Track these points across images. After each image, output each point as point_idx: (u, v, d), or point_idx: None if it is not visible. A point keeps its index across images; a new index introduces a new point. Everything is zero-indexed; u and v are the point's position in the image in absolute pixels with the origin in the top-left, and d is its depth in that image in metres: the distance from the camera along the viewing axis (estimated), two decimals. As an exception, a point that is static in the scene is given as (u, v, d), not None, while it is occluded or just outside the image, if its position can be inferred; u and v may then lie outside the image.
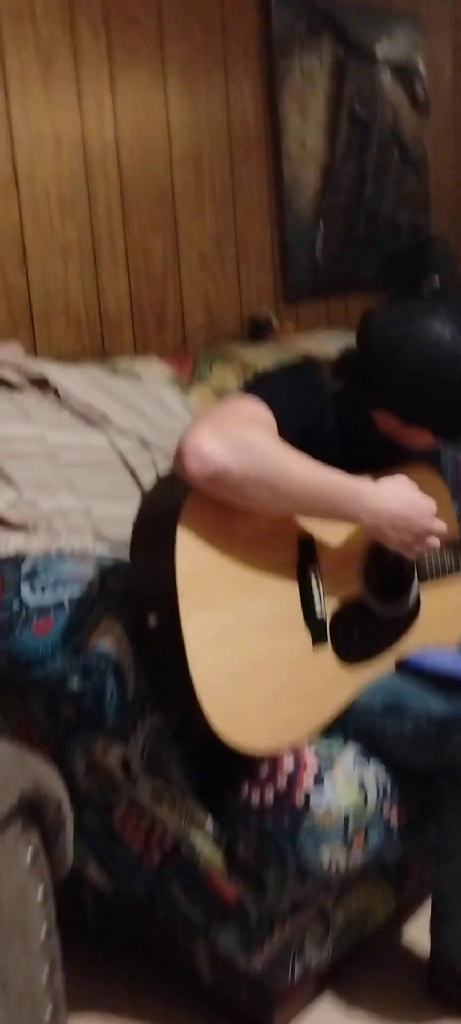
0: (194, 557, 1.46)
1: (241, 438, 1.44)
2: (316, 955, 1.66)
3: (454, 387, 1.54)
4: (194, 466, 1.42)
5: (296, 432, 1.52)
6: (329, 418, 1.62)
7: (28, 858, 1.15)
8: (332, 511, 1.51)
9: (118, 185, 2.40)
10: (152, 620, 1.46)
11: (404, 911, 1.88)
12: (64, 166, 2.29)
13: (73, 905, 1.79)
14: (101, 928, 1.85)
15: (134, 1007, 1.76)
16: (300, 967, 1.64)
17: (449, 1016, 1.68)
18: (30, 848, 1.15)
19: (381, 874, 1.71)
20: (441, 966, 1.69)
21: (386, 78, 3.11)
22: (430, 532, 1.57)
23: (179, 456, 1.44)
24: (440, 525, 1.58)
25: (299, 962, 1.63)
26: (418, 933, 1.85)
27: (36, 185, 2.24)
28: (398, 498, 1.54)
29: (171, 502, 1.49)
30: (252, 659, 1.49)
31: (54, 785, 1.13)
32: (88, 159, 2.33)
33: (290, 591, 1.56)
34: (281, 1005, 1.69)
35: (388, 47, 3.09)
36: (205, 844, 1.56)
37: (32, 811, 1.14)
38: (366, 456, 1.64)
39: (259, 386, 1.58)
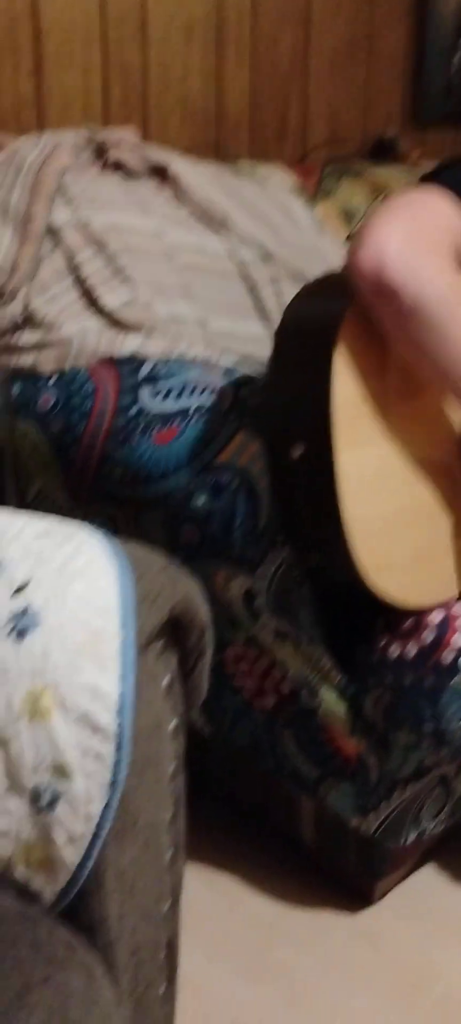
0: (352, 383, 1.27)
1: (429, 261, 1.23)
2: (430, 824, 1.54)
3: None
4: (370, 267, 1.21)
5: None
6: None
7: (165, 683, 1.00)
8: None
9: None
10: (297, 451, 1.28)
11: None
12: None
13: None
14: (198, 778, 1.73)
15: (228, 859, 1.66)
16: (414, 834, 1.52)
17: None
18: (168, 674, 1.00)
19: None
20: None
21: None
22: None
23: (356, 248, 1.23)
24: None
25: (414, 829, 1.51)
26: None
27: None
28: None
29: (327, 317, 1.30)
30: (408, 506, 1.32)
31: (202, 607, 0.97)
32: None
33: (451, 437, 1.38)
34: (387, 871, 1.59)
35: None
36: (329, 694, 1.42)
37: (175, 632, 0.99)
38: None
39: (454, 178, 1.34)
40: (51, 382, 1.58)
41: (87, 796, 0.78)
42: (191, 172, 1.85)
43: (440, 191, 1.30)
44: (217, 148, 2.18)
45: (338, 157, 2.35)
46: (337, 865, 1.59)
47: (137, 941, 1.00)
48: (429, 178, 1.38)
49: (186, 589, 0.92)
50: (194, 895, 1.56)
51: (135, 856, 1.00)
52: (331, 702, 1.42)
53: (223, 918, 1.56)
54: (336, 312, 1.27)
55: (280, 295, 1.85)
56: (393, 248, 1.19)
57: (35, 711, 0.77)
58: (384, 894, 1.61)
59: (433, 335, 1.22)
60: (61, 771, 0.77)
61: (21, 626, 0.79)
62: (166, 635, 0.98)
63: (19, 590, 0.81)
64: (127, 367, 1.52)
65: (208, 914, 1.55)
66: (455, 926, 1.56)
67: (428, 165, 2.38)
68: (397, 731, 1.38)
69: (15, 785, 0.78)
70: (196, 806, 1.69)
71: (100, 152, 1.78)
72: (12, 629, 0.79)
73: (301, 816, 1.59)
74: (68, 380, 1.56)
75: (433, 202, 1.28)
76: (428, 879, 1.64)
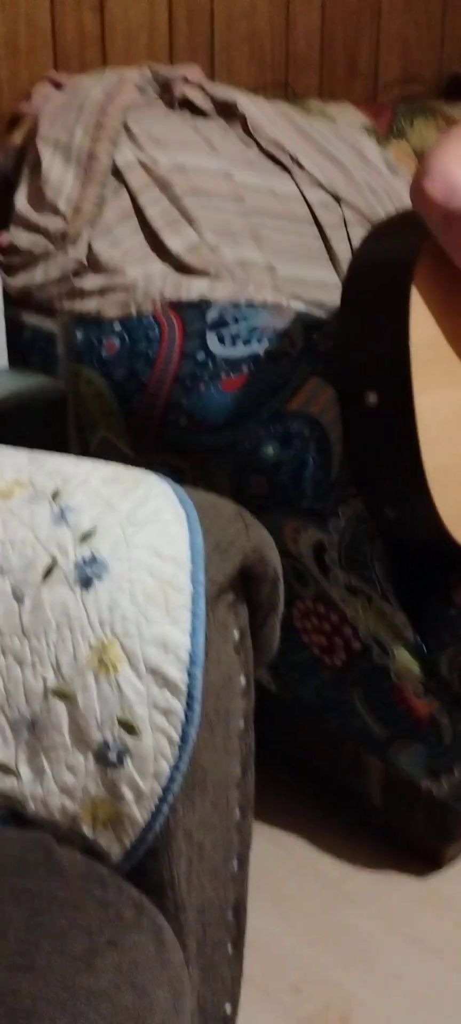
0: (429, 323, 1.21)
1: None
2: None
3: None
4: (438, 193, 1.15)
5: None
6: None
7: (235, 637, 0.96)
8: None
9: None
10: (371, 398, 1.22)
11: None
12: None
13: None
14: (260, 736, 1.69)
15: (293, 818, 1.62)
16: None
17: None
18: (238, 627, 0.96)
19: None
20: None
21: None
22: None
23: (420, 175, 1.17)
24: None
25: None
26: None
27: None
28: None
29: (401, 256, 1.23)
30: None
31: (275, 558, 0.93)
32: None
33: None
34: (457, 836, 1.53)
35: None
36: (402, 652, 1.37)
37: (246, 584, 0.94)
38: None
39: None
40: (115, 327, 1.54)
41: (156, 752, 0.75)
42: (260, 110, 1.78)
43: None
44: (285, 87, 2.10)
45: (411, 96, 2.25)
46: (405, 828, 1.55)
47: (205, 901, 0.97)
48: None
49: (258, 539, 0.87)
50: (258, 854, 1.53)
51: (204, 815, 0.97)
52: (404, 660, 1.37)
53: (288, 878, 1.53)
54: (410, 250, 1.20)
55: (350, 239, 1.78)
56: (459, 164, 1.12)
57: (102, 663, 0.74)
58: (453, 858, 1.56)
59: None
60: (129, 727, 0.74)
61: (87, 575, 0.76)
62: (237, 587, 0.94)
63: (85, 537, 0.78)
64: (193, 312, 1.47)
65: (272, 873, 1.52)
66: None
67: None
68: (473, 692, 1.33)
69: (81, 740, 0.75)
70: (261, 765, 1.67)
71: (166, 89, 1.72)
72: (78, 577, 0.76)
73: (369, 777, 1.55)
74: (133, 325, 1.51)
75: None
76: None
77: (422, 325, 1.19)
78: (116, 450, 1.57)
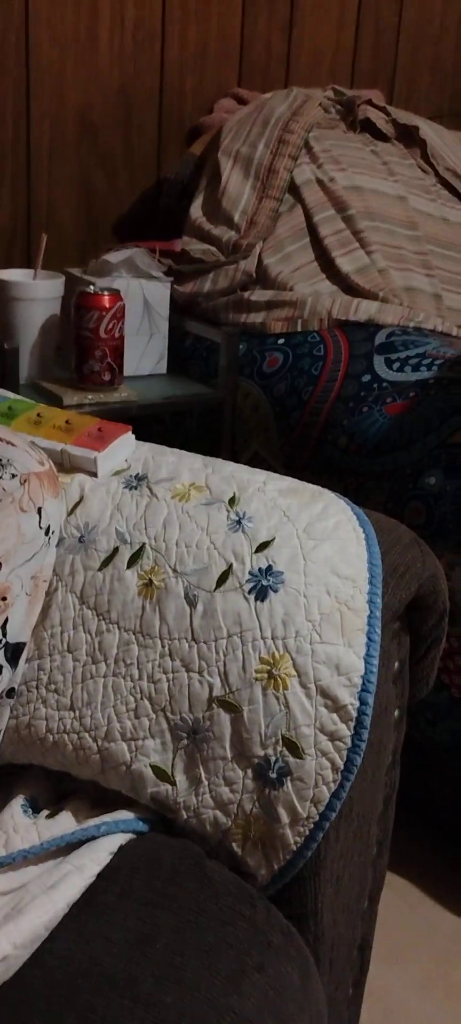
0: None
1: None
2: None
3: None
4: None
5: None
6: None
7: (395, 668, 0.93)
8: None
9: None
10: None
11: None
12: None
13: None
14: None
15: (413, 863, 1.57)
16: None
17: None
18: (399, 657, 0.93)
19: None
20: None
21: None
22: None
23: None
24: None
25: None
26: None
27: None
28: None
29: None
30: None
31: (445, 590, 0.89)
32: None
33: None
34: None
35: None
36: None
37: (411, 614, 0.91)
38: None
39: None
40: (279, 342, 1.53)
41: (318, 777, 0.72)
42: (440, 138, 1.75)
43: None
44: (465, 116, 2.06)
45: None
46: None
47: (335, 937, 0.94)
48: None
49: (434, 569, 0.84)
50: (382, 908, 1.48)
51: (345, 847, 0.93)
52: None
53: (405, 925, 1.47)
54: None
55: None
56: None
57: (271, 678, 0.72)
58: None
59: None
60: (293, 746, 0.72)
61: (263, 585, 0.74)
62: (403, 616, 0.91)
63: (263, 547, 0.76)
64: (361, 333, 1.44)
65: (390, 918, 1.47)
66: None
67: None
68: None
69: (242, 755, 0.73)
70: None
71: (349, 111, 1.70)
72: (253, 587, 0.74)
73: None
74: (298, 341, 1.50)
75: None
76: None
77: None
78: (267, 466, 1.55)
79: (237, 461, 1.60)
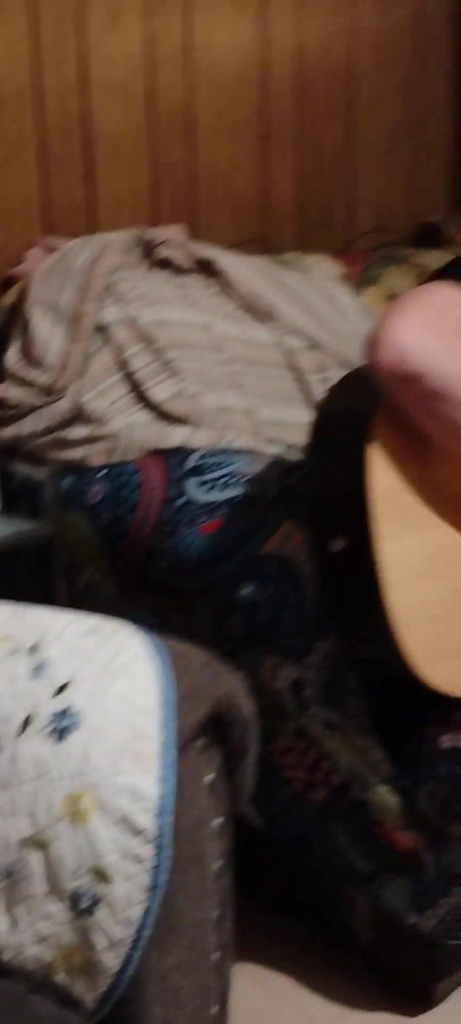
0: (389, 474, 1.27)
1: (449, 345, 1.23)
2: None
3: None
4: (390, 359, 1.21)
5: None
6: None
7: (208, 782, 0.99)
8: None
9: (296, 66, 2.19)
10: (339, 543, 1.28)
11: None
12: (240, 39, 2.10)
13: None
14: (243, 873, 1.70)
15: (282, 957, 1.62)
16: None
17: None
18: (211, 771, 1.00)
19: None
20: None
21: None
22: None
23: (374, 344, 1.24)
24: None
25: None
26: None
27: (211, 56, 2.05)
28: None
29: (361, 408, 1.29)
30: (456, 592, 1.30)
31: (245, 703, 0.97)
32: (266, 33, 2.13)
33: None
34: (448, 972, 1.53)
35: None
36: (381, 788, 1.39)
37: (218, 728, 0.98)
38: None
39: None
40: (100, 475, 1.60)
41: (127, 900, 0.78)
42: (237, 266, 1.89)
43: (450, 283, 1.30)
44: (265, 241, 2.22)
45: (384, 244, 2.37)
46: (394, 965, 1.54)
47: (184, 1047, 0.98)
48: (438, 275, 1.39)
49: (228, 685, 0.92)
50: (246, 995, 1.52)
51: (179, 959, 0.98)
52: (383, 795, 1.39)
53: (276, 1020, 1.52)
54: (368, 406, 1.27)
55: (327, 382, 1.86)
56: (410, 336, 1.19)
57: (75, 813, 0.77)
58: (446, 996, 1.55)
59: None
60: (101, 874, 0.77)
61: (62, 726, 0.80)
62: (209, 732, 0.98)
63: (61, 690, 0.82)
64: (174, 459, 1.54)
65: (260, 1015, 1.51)
66: None
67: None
68: (455, 824, 1.35)
69: (55, 889, 0.77)
70: (247, 902, 1.67)
71: (148, 250, 1.82)
72: (53, 730, 0.80)
73: (355, 913, 1.55)
74: (116, 473, 1.58)
75: (444, 292, 1.28)
76: None
77: (382, 476, 1.25)
78: (102, 591, 1.62)
79: (73, 590, 1.67)
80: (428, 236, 2.51)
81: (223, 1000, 1.08)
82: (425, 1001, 1.54)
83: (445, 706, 1.34)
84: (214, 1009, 1.05)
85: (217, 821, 1.03)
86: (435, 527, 1.31)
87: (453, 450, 1.28)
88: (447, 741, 1.33)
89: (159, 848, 0.78)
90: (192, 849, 0.97)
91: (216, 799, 1.02)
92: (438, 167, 2.57)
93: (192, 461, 1.50)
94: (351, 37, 2.30)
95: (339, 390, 1.44)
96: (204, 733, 0.95)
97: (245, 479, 1.43)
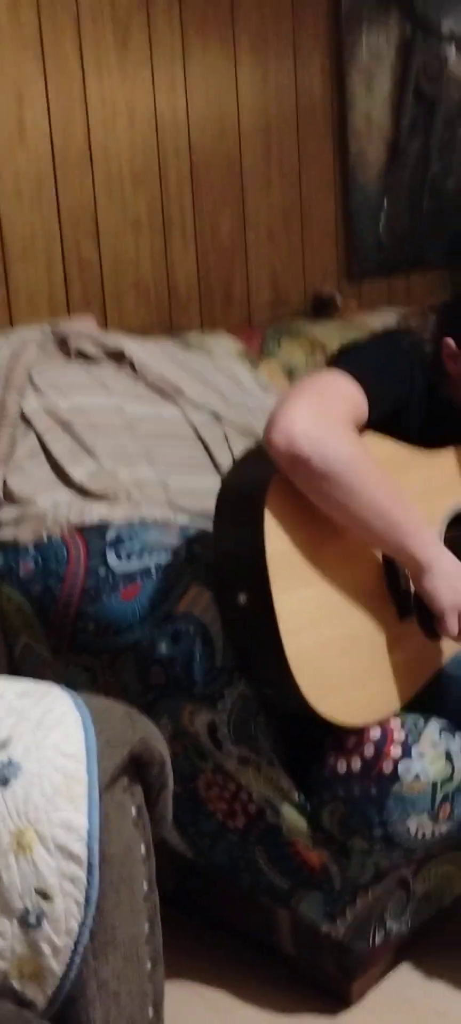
0: (283, 536, 1.46)
1: (333, 433, 1.42)
2: (396, 924, 1.67)
3: None
4: (280, 442, 1.40)
5: (388, 408, 1.52)
6: (418, 384, 1.61)
7: (133, 813, 1.16)
8: (390, 547, 1.49)
9: (188, 159, 2.41)
10: (241, 598, 1.47)
11: None
12: (137, 140, 2.30)
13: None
14: (180, 897, 1.87)
15: (217, 974, 1.78)
16: (381, 936, 1.64)
17: None
18: (134, 804, 1.17)
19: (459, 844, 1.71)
20: None
21: (453, 55, 3.08)
22: None
23: (269, 427, 1.43)
24: None
25: (380, 931, 1.64)
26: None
27: (110, 159, 2.26)
28: (452, 586, 1.48)
29: (258, 479, 1.49)
30: (343, 635, 1.50)
31: (159, 744, 1.14)
32: (160, 133, 2.34)
33: (375, 566, 1.56)
34: (361, 973, 1.70)
35: (456, 23, 3.06)
36: (290, 812, 1.57)
37: (138, 768, 1.15)
38: (447, 430, 1.65)
39: (352, 362, 1.55)
40: (30, 551, 1.75)
41: (67, 914, 0.94)
42: (144, 351, 2.08)
43: (338, 372, 1.51)
44: (170, 323, 2.41)
45: (280, 317, 2.59)
46: (315, 971, 1.71)
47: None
48: (330, 362, 1.60)
49: (144, 733, 1.09)
50: (186, 1009, 1.68)
51: (117, 967, 1.15)
52: (293, 818, 1.57)
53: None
54: (264, 478, 1.46)
55: (232, 451, 2.06)
56: (300, 424, 1.39)
57: (20, 846, 0.94)
58: (362, 995, 1.72)
59: (343, 493, 1.42)
60: (44, 894, 0.93)
61: (5, 775, 0.96)
62: (130, 772, 1.15)
63: (3, 745, 0.98)
64: (95, 533, 1.70)
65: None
66: (432, 1021, 1.67)
67: (364, 317, 2.64)
68: (352, 839, 1.53)
69: (7, 909, 0.93)
70: (186, 926, 1.83)
71: (63, 344, 2.00)
72: (-1, 779, 0.96)
73: (279, 927, 1.72)
74: (45, 548, 1.73)
75: (333, 381, 1.49)
76: (404, 977, 1.75)
77: (277, 538, 1.44)
78: (37, 654, 1.77)
79: (13, 653, 1.81)
80: (321, 307, 2.74)
81: (157, 1005, 1.24)
82: (343, 1001, 1.71)
83: (339, 735, 1.53)
84: (149, 1012, 1.21)
85: (143, 847, 1.20)
86: (326, 580, 1.50)
87: (336, 521, 1.48)
88: (342, 766, 1.52)
89: (90, 870, 0.95)
90: (122, 872, 1.14)
91: (141, 828, 1.19)
92: (327, 243, 2.80)
93: (111, 534, 1.67)
94: (238, 129, 2.53)
95: (240, 463, 1.64)
96: (125, 773, 1.13)
97: (158, 548, 1.61)
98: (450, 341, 1.62)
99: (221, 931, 1.85)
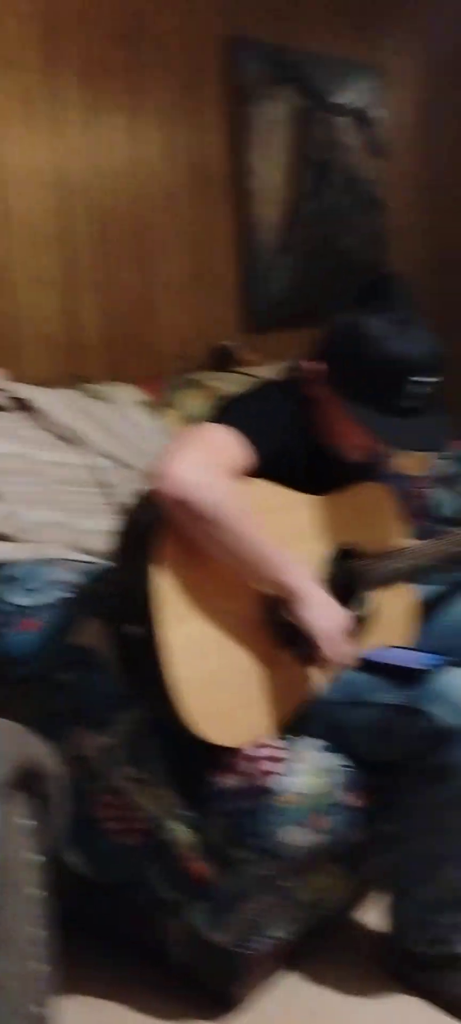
0: (171, 573, 1.59)
1: (212, 481, 1.56)
2: (278, 932, 1.78)
3: (370, 363, 1.70)
4: (167, 486, 1.55)
5: (269, 455, 1.67)
6: (296, 428, 1.76)
7: (25, 824, 1.29)
8: (266, 581, 1.65)
9: (98, 223, 2.57)
10: (132, 630, 1.60)
11: (362, 896, 2.00)
12: (49, 204, 2.45)
13: (51, 892, 1.90)
14: (80, 915, 1.95)
15: (115, 985, 1.86)
16: (263, 943, 1.76)
17: (402, 993, 1.81)
18: (27, 816, 1.29)
19: (340, 858, 1.84)
20: (397, 946, 1.83)
21: (345, 124, 3.32)
22: (343, 653, 1.69)
23: (154, 476, 1.58)
24: (350, 650, 1.71)
25: (262, 938, 1.76)
26: (374, 918, 1.98)
27: (22, 221, 2.39)
28: (324, 614, 1.64)
29: (149, 520, 1.63)
30: (225, 664, 1.64)
31: (50, 762, 1.27)
32: (70, 198, 2.50)
33: (256, 600, 1.70)
34: (243, 978, 1.81)
35: (348, 96, 3.30)
36: (179, 826, 1.70)
37: (30, 782, 1.28)
38: (327, 473, 1.82)
39: (230, 413, 1.71)
40: None
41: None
42: (51, 401, 2.22)
43: (218, 424, 1.67)
44: (78, 374, 2.54)
45: (183, 370, 2.75)
46: (201, 977, 1.82)
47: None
48: (212, 415, 1.74)
49: (32, 748, 1.22)
50: (78, 1018, 1.79)
51: (12, 968, 1.26)
52: (181, 833, 1.71)
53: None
54: (155, 519, 1.60)
55: (131, 496, 2.21)
56: (181, 472, 1.53)
57: None
58: (246, 999, 1.82)
59: (221, 534, 1.57)
60: None
61: None
62: (22, 785, 1.27)
63: None
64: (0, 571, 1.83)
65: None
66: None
67: (263, 369, 2.81)
68: (235, 851, 1.67)
69: None
70: (87, 940, 1.93)
71: (-27, 394, 2.13)
72: None
73: (168, 937, 1.83)
74: None
75: (212, 432, 1.65)
76: (286, 982, 1.87)
77: (167, 573, 1.59)
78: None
79: None
80: (223, 360, 2.92)
81: (45, 1003, 1.35)
82: (227, 1005, 1.81)
83: (221, 753, 1.67)
84: (38, 1009, 1.33)
85: (34, 857, 1.32)
86: (210, 613, 1.64)
87: (219, 560, 1.63)
88: (226, 781, 1.66)
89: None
90: (9, 878, 1.26)
91: (32, 839, 1.31)
92: (228, 300, 2.99)
93: (15, 572, 1.80)
94: (146, 193, 2.69)
95: (134, 507, 1.78)
96: (16, 786, 1.25)
97: (58, 585, 1.75)
98: (314, 367, 1.78)
99: (124, 946, 1.94)
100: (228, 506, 1.56)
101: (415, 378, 1.70)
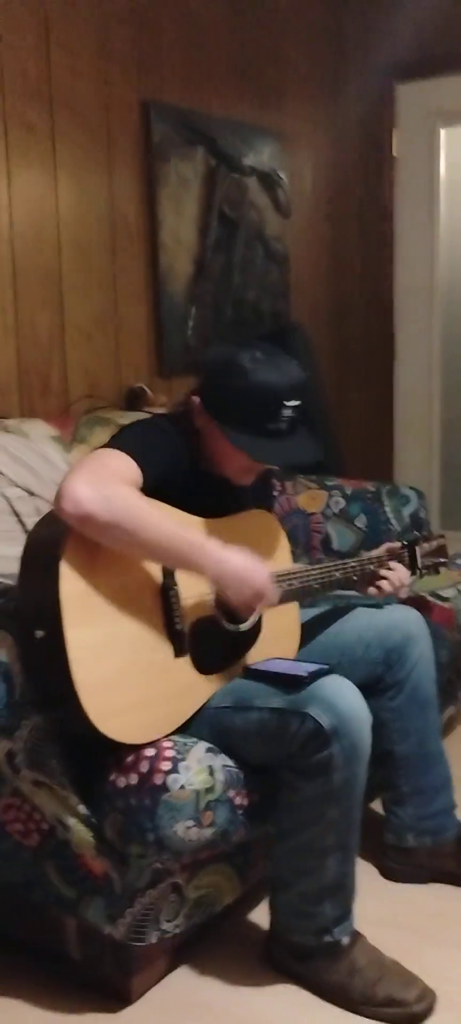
0: (75, 580, 1.73)
1: (109, 490, 1.70)
2: (171, 925, 1.89)
3: (240, 391, 1.89)
4: (68, 507, 1.69)
5: (158, 475, 1.83)
6: (183, 458, 1.93)
7: None
8: (182, 563, 1.81)
9: (11, 266, 2.70)
10: (38, 634, 1.72)
11: (249, 895, 2.14)
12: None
13: None
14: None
15: (10, 985, 1.95)
16: (156, 935, 1.86)
17: (284, 983, 1.95)
18: None
19: (227, 858, 1.98)
20: (281, 939, 1.97)
21: (252, 184, 3.54)
22: (263, 594, 1.88)
23: (58, 497, 1.72)
24: (271, 593, 1.90)
25: (156, 931, 1.86)
26: (260, 916, 2.13)
27: None
28: (239, 561, 1.83)
29: (55, 535, 1.76)
30: (125, 667, 1.78)
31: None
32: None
33: (156, 610, 1.85)
34: (139, 973, 1.92)
35: (255, 158, 3.53)
36: (78, 826, 1.82)
37: None
38: (218, 499, 1.98)
39: (121, 439, 1.86)
40: None
41: None
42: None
43: (110, 448, 1.82)
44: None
45: (95, 407, 2.90)
46: (99, 972, 1.93)
47: None
48: (105, 443, 1.89)
49: None
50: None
51: None
52: (80, 831, 1.82)
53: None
54: (62, 530, 1.74)
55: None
56: (82, 490, 1.68)
57: None
58: (141, 993, 1.93)
59: (131, 533, 1.70)
60: None
61: None
62: None
63: None
64: None
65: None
66: (204, 1019, 1.89)
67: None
68: (129, 846, 1.79)
69: None
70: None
71: None
72: None
73: (66, 935, 1.93)
74: None
75: (105, 454, 1.79)
76: (180, 975, 1.99)
77: (69, 581, 1.72)
78: None
79: None
80: (133, 400, 3.07)
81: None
82: (124, 999, 1.91)
83: (119, 753, 1.80)
84: None
85: None
86: (113, 618, 1.77)
87: (133, 558, 1.78)
88: (121, 781, 1.79)
89: None
90: None
91: None
92: (140, 344, 3.15)
93: None
94: (58, 241, 2.84)
95: (41, 523, 1.90)
96: None
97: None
98: (196, 399, 1.97)
99: (19, 947, 2.03)
100: (129, 506, 1.71)
101: (281, 403, 1.90)
